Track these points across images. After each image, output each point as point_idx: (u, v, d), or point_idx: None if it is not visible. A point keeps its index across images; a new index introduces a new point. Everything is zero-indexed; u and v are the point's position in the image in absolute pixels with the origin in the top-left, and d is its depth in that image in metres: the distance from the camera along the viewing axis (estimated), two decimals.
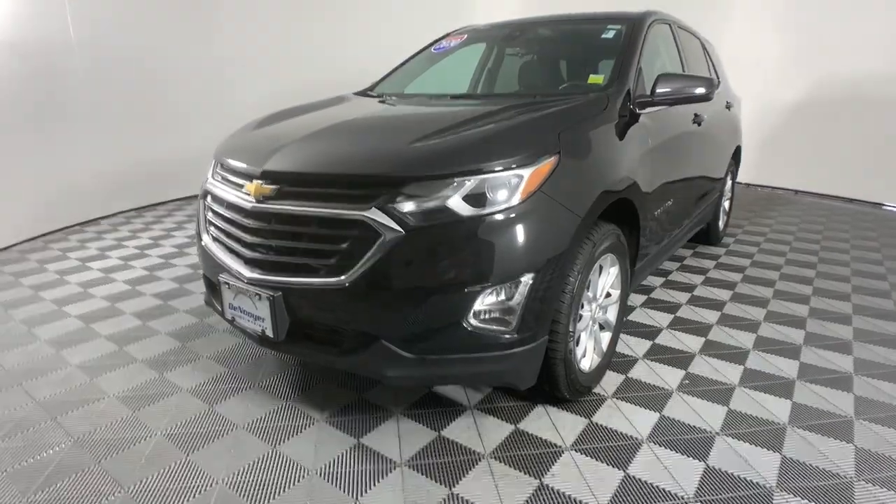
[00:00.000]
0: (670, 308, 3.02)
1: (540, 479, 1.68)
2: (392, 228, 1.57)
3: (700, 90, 2.35)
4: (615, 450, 1.83)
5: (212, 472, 1.72)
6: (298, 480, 1.68)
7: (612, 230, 2.02)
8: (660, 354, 2.50)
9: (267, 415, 2.02)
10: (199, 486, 1.66)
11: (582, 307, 2.00)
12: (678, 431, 1.93)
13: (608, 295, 2.21)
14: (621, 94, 2.27)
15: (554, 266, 1.69)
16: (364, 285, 1.60)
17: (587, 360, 2.09)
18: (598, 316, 2.14)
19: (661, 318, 2.89)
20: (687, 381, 2.27)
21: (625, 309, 2.34)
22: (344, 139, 1.96)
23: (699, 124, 3.02)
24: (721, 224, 4.27)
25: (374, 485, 1.65)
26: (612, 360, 2.43)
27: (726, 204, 4.39)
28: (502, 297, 1.63)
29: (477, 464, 1.75)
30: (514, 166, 1.65)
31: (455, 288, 1.60)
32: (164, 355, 2.48)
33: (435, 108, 2.35)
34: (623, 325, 2.74)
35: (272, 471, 1.72)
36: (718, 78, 3.93)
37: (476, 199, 1.61)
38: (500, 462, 1.76)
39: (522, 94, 2.75)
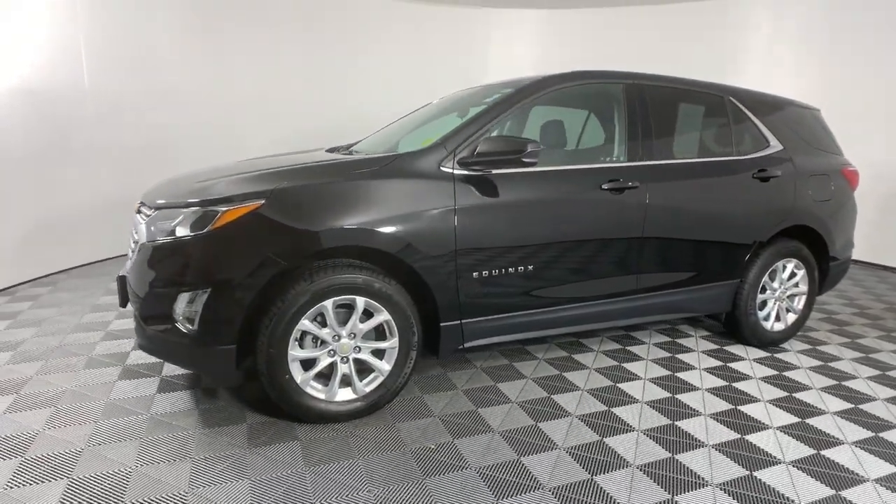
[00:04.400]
0: (553, 387, 2.71)
1: (190, 457, 2.06)
2: (144, 237, 2.24)
3: (517, 153, 2.30)
4: (273, 464, 2.04)
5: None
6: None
7: (354, 276, 2.20)
8: (463, 421, 2.40)
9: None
10: None
11: (316, 339, 2.25)
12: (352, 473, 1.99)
13: (384, 338, 2.35)
14: (431, 156, 2.39)
15: (232, 286, 2.06)
16: (131, 275, 2.30)
17: (329, 390, 2.28)
18: (351, 354, 2.30)
19: (513, 390, 2.65)
20: (433, 447, 2.19)
21: (406, 359, 2.38)
22: (183, 180, 2.58)
23: (620, 191, 2.67)
24: (775, 323, 3.33)
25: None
26: (413, 407, 2.47)
27: (797, 301, 3.39)
28: (191, 301, 2.10)
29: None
30: (217, 205, 2.11)
31: (163, 287, 2.14)
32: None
33: (288, 161, 2.65)
34: (488, 392, 2.67)
35: None
36: (767, 140, 3.20)
37: (194, 225, 2.13)
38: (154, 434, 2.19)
39: (374, 153, 2.70)
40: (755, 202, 3.08)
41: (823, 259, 3.43)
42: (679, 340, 3.44)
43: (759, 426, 2.44)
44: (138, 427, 2.26)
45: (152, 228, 2.23)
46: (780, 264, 3.26)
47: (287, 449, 2.14)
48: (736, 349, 3.33)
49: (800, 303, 3.41)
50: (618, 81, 2.85)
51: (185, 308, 2.12)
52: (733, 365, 3.10)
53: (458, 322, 2.49)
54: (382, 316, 2.31)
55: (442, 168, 2.39)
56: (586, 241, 2.65)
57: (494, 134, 2.52)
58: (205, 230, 2.09)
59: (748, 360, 3.18)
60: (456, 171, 2.40)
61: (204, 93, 5.63)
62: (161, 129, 5.35)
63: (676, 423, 2.44)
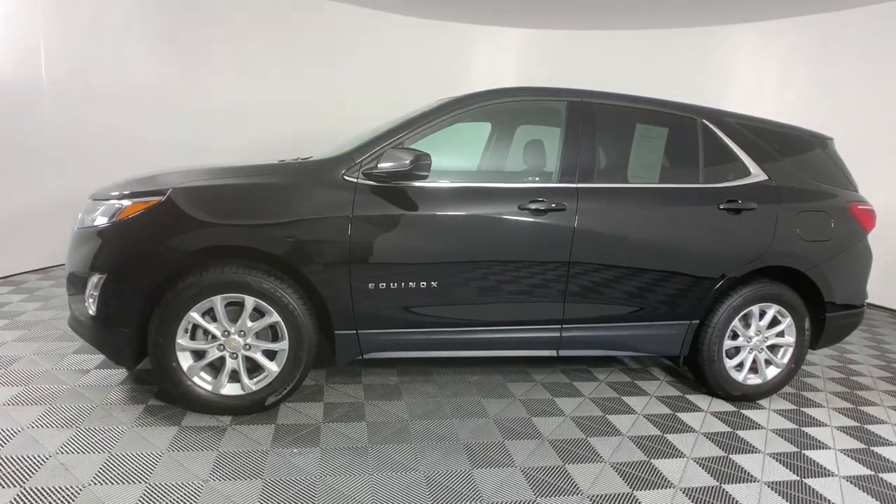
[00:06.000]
0: (466, 412, 2.60)
1: (75, 426, 2.24)
2: (77, 224, 2.50)
3: (409, 165, 2.28)
4: (140, 444, 2.16)
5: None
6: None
7: (243, 275, 2.30)
8: (347, 433, 2.38)
9: None
10: None
11: (209, 334, 2.37)
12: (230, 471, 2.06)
13: (277, 339, 2.42)
14: (336, 164, 2.44)
15: (124, 273, 2.24)
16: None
17: (216, 382, 2.38)
18: (241, 351, 2.38)
19: (418, 409, 2.57)
20: (296, 451, 2.19)
21: (296, 362, 2.40)
22: (126, 178, 2.82)
23: (542, 212, 2.52)
24: (750, 375, 2.94)
25: None
26: (307, 412, 2.50)
27: (780, 353, 2.97)
28: (96, 284, 2.30)
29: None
30: (122, 199, 2.32)
31: (80, 270, 2.36)
32: None
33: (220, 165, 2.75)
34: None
35: None
36: (748, 169, 2.87)
37: (109, 216, 2.35)
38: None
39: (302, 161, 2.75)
40: (719, 237, 2.76)
41: (819, 308, 2.99)
42: (639, 382, 3.14)
43: (660, 483, 2.17)
44: (57, 395, 2.50)
45: (84, 217, 2.49)
46: (754, 309, 2.88)
47: (161, 432, 2.26)
48: (698, 399, 2.98)
49: (784, 355, 2.98)
50: (559, 99, 2.72)
51: (91, 290, 2.34)
52: (683, 415, 2.78)
53: (354, 332, 2.49)
54: (272, 317, 2.38)
55: (345, 177, 2.42)
56: (497, 262, 2.54)
57: (407, 147, 2.51)
58: (111, 221, 2.31)
59: (704, 412, 2.83)
60: (359, 182, 2.42)
61: (171, 97, 5.35)
62: (123, 127, 5.03)
63: (567, 465, 2.24)
